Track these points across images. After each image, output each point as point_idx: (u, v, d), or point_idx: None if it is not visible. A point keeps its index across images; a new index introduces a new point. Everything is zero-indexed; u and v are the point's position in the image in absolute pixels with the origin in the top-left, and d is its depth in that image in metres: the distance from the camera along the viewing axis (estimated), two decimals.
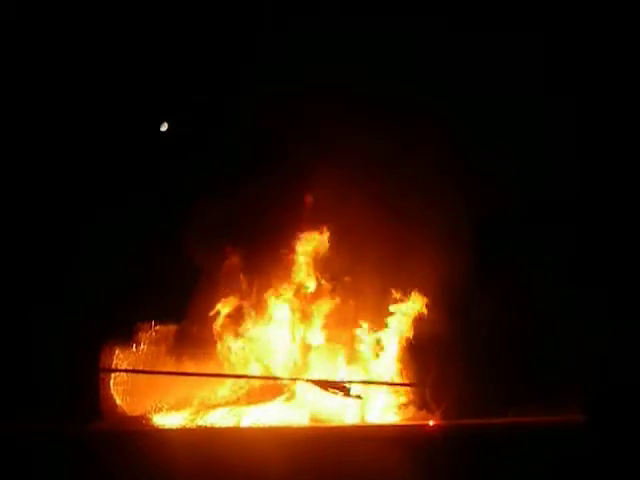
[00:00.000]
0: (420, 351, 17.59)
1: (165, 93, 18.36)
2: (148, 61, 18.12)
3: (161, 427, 16.49)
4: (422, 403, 17.40)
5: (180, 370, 17.62)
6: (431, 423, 16.72)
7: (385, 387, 17.43)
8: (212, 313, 18.25)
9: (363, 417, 17.42)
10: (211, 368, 17.92)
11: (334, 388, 16.16)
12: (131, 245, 18.01)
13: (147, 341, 18.01)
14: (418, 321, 17.85)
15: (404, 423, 17.25)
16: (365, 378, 17.54)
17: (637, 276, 17.53)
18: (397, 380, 17.58)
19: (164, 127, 17.83)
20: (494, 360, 17.41)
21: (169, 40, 17.98)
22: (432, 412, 17.16)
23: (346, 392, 16.13)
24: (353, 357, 18.01)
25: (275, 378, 17.64)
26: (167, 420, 17.35)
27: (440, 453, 13.42)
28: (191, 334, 18.03)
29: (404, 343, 17.92)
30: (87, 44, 18.14)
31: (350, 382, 17.20)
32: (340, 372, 17.78)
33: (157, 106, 18.40)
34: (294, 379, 17.37)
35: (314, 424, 17.02)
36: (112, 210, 18.33)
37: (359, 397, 16.18)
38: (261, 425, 17.06)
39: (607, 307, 17.08)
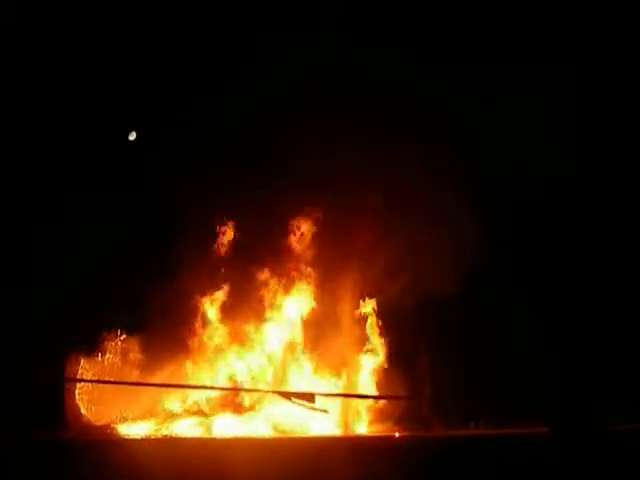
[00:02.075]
0: (400, 364, 17.56)
1: (135, 100, 18.32)
2: (138, 64, 18.10)
3: (126, 437, 16.83)
4: (417, 415, 17.27)
5: (146, 380, 17.45)
6: (397, 434, 16.81)
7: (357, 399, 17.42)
8: (181, 323, 18.20)
9: (346, 428, 17.42)
10: (177, 378, 17.76)
11: (301, 400, 15.98)
12: (99, 257, 17.82)
13: (113, 351, 17.95)
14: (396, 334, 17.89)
15: (371, 434, 17.27)
16: (340, 390, 17.55)
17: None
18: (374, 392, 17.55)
19: (132, 136, 17.67)
20: (462, 374, 17.43)
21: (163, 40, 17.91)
22: (429, 424, 17.17)
23: (312, 404, 15.90)
24: (325, 368, 18.00)
25: (241, 390, 17.59)
26: (132, 430, 17.36)
27: (407, 464, 13.63)
28: (157, 344, 17.87)
29: (383, 356, 17.90)
30: (76, 44, 18.05)
31: (338, 395, 17.30)
32: (310, 384, 17.74)
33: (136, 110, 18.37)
34: (261, 391, 17.32)
35: (279, 435, 16.99)
36: (81, 222, 18.13)
37: (325, 411, 16.00)
38: (227, 436, 17.01)
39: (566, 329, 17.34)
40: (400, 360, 17.41)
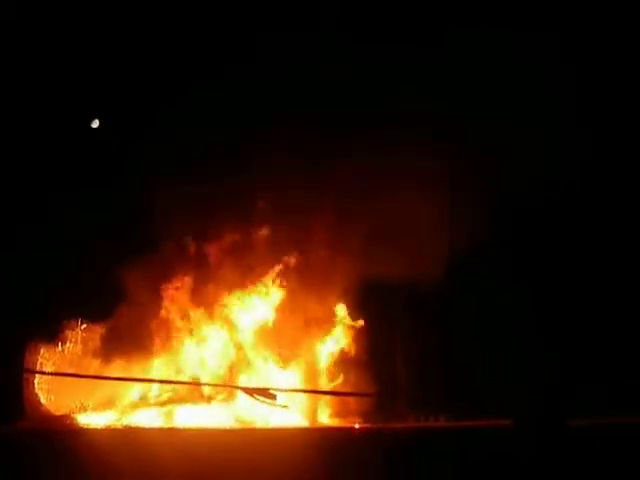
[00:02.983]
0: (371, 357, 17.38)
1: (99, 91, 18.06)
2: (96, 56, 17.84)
3: (86, 427, 16.26)
4: (389, 409, 17.17)
5: (108, 370, 17.26)
6: (357, 426, 16.82)
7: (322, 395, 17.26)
8: (145, 313, 17.92)
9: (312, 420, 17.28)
10: (139, 369, 17.56)
11: (262, 396, 15.88)
12: (58, 243, 17.65)
13: (74, 340, 17.66)
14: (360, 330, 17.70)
15: (331, 426, 17.20)
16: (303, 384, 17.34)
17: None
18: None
19: (95, 124, 17.50)
20: (427, 367, 17.45)
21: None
22: (403, 417, 17.07)
23: (273, 400, 15.82)
24: (290, 360, 17.80)
25: (203, 384, 17.44)
26: (92, 420, 17.09)
27: (367, 456, 13.50)
28: (120, 334, 17.63)
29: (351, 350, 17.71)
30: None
31: (302, 391, 17.09)
32: (275, 377, 17.58)
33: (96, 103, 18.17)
34: (223, 386, 17.15)
35: (239, 426, 16.83)
36: (41, 208, 17.96)
37: (284, 407, 15.96)
38: (189, 426, 16.83)
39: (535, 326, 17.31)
40: (372, 353, 17.31)
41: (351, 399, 16.90)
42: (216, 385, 17.11)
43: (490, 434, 14.38)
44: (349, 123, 16.68)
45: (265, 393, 15.98)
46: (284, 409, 16.03)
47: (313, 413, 17.15)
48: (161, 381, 17.19)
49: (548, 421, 13.97)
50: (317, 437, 15.40)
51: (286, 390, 16.50)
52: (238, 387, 16.69)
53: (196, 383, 17.32)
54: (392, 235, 16.81)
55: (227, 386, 17.00)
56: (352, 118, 16.50)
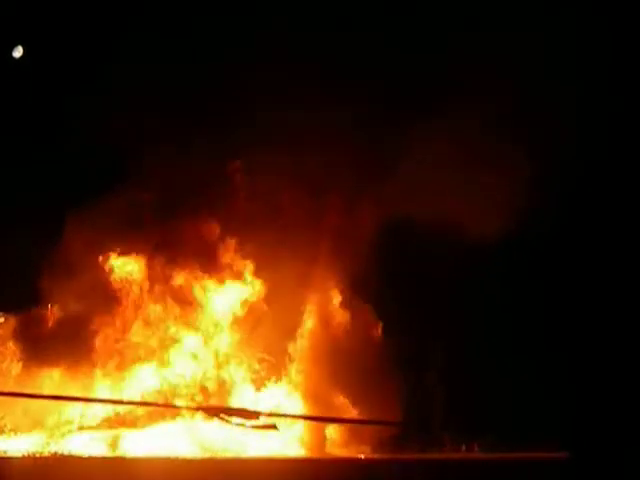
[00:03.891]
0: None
1: None
2: None
3: (2, 454, 14.18)
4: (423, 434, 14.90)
5: (33, 379, 14.80)
6: (362, 457, 14.64)
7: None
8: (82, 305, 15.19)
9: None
10: (76, 381, 14.97)
11: (240, 416, 12.58)
12: None
13: None
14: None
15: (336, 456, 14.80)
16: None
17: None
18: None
19: (18, 52, 15.42)
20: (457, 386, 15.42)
21: None
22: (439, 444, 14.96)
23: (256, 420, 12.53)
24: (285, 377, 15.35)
25: (158, 405, 15.25)
26: (10, 445, 14.60)
27: None
28: (49, 330, 15.06)
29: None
30: None
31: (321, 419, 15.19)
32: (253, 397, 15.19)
33: None
34: (185, 407, 14.91)
35: (213, 456, 14.54)
36: None
37: (273, 427, 12.57)
38: (140, 454, 14.36)
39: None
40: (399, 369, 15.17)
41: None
42: (172, 407, 14.91)
43: (540, 467, 13.29)
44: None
45: (244, 413, 12.78)
46: (273, 430, 12.60)
47: (316, 440, 14.89)
48: (103, 400, 15.24)
49: (607, 452, 13.09)
50: (315, 469, 13.54)
51: (292, 416, 14.52)
52: (208, 408, 13.58)
53: (148, 403, 15.29)
54: None
55: (187, 408, 14.97)
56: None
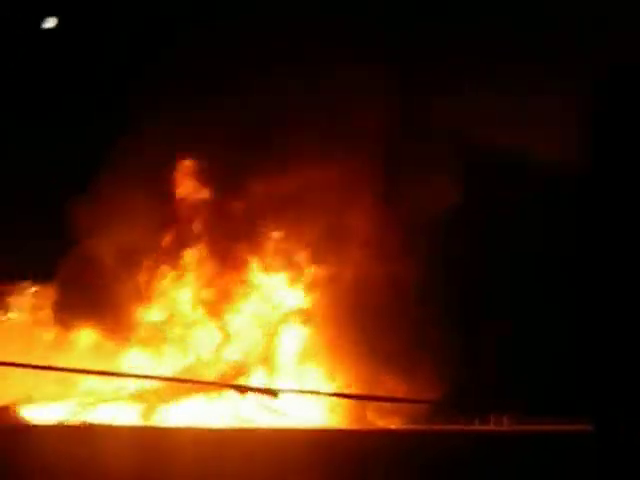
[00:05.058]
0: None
1: None
2: None
3: (33, 423, 14.42)
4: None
5: (64, 349, 14.90)
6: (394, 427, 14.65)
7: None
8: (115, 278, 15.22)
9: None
10: (109, 350, 15.21)
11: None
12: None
13: (19, 307, 15.39)
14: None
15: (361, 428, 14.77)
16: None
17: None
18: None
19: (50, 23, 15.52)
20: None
21: None
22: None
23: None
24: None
25: (188, 381, 15.23)
26: (42, 414, 14.80)
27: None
28: (82, 298, 15.05)
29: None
30: None
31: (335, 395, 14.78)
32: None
33: None
34: (214, 384, 14.71)
35: (238, 425, 14.53)
36: None
37: (274, 393, 12.67)
38: (171, 424, 14.44)
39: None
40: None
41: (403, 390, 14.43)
42: (202, 383, 14.72)
43: (567, 440, 13.03)
44: None
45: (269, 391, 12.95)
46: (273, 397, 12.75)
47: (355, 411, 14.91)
48: (135, 376, 14.96)
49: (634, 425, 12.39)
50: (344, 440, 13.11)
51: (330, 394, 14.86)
52: (231, 386, 14.43)
53: (179, 380, 14.98)
54: None
55: (214, 384, 14.73)
56: None
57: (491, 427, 15.20)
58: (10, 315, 15.25)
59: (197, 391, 14.96)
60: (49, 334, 15.11)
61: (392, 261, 14.99)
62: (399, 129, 15.23)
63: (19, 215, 15.06)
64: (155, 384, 14.98)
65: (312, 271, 15.27)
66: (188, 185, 15.44)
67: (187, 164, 15.39)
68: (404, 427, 14.59)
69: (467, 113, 15.35)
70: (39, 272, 15.14)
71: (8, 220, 14.92)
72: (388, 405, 14.63)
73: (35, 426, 14.28)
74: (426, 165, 14.84)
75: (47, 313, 15.26)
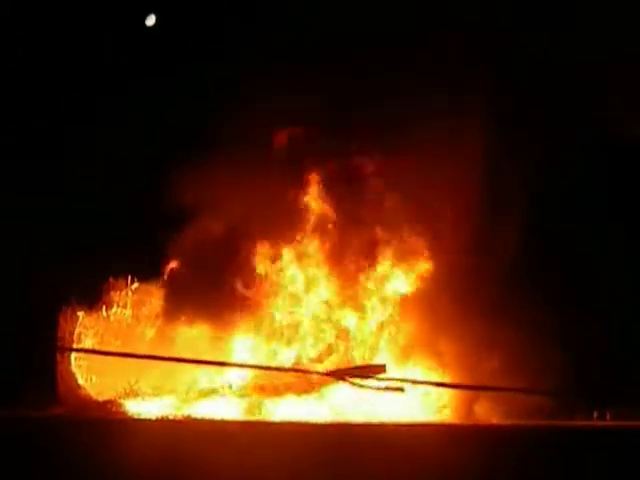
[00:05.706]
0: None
1: None
2: None
3: (135, 416, 14.67)
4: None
5: (167, 345, 14.91)
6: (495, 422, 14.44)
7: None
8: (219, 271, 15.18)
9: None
10: (212, 345, 15.11)
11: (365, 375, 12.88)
12: (94, 179, 15.55)
13: (122, 303, 15.53)
14: None
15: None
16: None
17: None
18: None
19: (151, 20, 15.76)
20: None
21: None
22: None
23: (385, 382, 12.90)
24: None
25: (296, 370, 14.88)
26: (143, 407, 15.00)
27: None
28: (184, 296, 15.17)
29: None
30: None
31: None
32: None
33: None
34: (323, 373, 14.38)
35: (339, 421, 14.49)
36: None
37: (400, 389, 12.58)
38: (270, 420, 14.51)
39: None
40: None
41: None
42: (308, 372, 14.59)
43: None
44: None
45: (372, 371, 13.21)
46: (399, 393, 12.73)
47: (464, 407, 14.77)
48: (239, 365, 15.01)
49: None
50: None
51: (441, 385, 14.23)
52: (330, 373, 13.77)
53: (291, 369, 14.94)
54: None
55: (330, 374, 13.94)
56: None
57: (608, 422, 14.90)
58: (114, 311, 15.45)
59: (309, 387, 14.90)
60: (152, 330, 15.31)
61: (502, 251, 14.72)
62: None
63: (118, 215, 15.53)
64: (263, 377, 14.92)
65: (427, 262, 15.15)
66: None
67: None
68: (529, 422, 14.24)
69: None
70: (140, 269, 15.36)
71: (110, 220, 15.49)
72: (506, 400, 14.33)
73: (139, 419, 14.50)
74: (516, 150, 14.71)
75: (149, 309, 15.44)
